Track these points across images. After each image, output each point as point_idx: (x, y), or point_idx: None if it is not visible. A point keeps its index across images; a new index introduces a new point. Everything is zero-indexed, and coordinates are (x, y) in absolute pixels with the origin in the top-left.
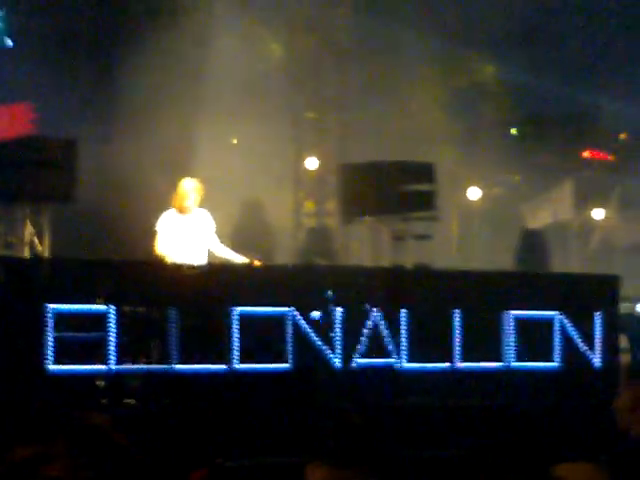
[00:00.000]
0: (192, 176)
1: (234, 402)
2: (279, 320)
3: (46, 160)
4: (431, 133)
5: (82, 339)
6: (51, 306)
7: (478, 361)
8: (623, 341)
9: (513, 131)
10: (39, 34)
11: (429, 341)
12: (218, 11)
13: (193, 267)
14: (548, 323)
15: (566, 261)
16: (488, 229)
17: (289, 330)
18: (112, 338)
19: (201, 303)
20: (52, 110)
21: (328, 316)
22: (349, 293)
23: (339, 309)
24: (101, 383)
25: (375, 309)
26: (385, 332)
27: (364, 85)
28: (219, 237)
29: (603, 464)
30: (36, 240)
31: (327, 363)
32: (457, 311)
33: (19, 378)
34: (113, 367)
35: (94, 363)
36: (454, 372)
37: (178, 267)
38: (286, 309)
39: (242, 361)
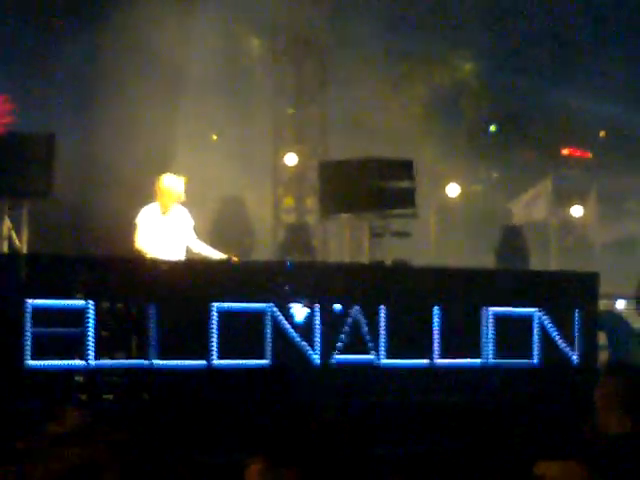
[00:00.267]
0: (171, 172)
1: (213, 398)
2: (258, 316)
3: (25, 154)
4: (411, 130)
5: (61, 334)
6: (29, 301)
7: (457, 358)
8: (602, 338)
9: (492, 128)
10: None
11: (408, 337)
12: (198, 7)
13: (172, 263)
14: (527, 320)
15: (545, 258)
16: (467, 226)
17: (268, 326)
18: (91, 333)
19: (180, 299)
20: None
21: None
22: (328, 289)
23: (318, 305)
24: (80, 378)
25: (354, 305)
26: (364, 328)
27: (344, 82)
28: (198, 233)
29: (581, 461)
30: (14, 235)
31: (306, 359)
32: (436, 308)
33: None
34: (92, 362)
35: (73, 358)
36: (433, 368)
37: (157, 263)
38: (265, 305)
39: (221, 357)
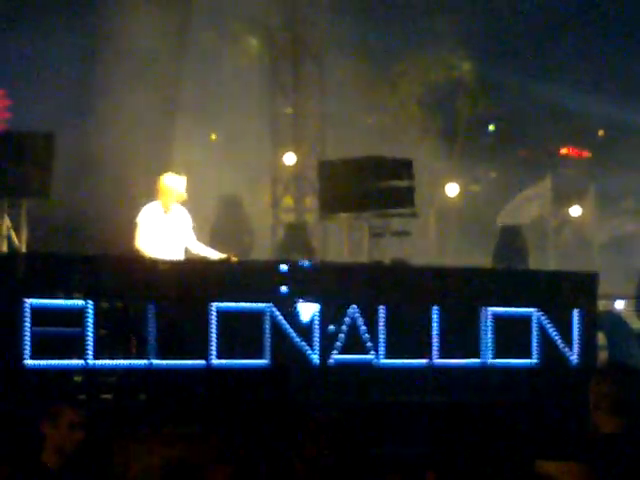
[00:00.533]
0: (170, 171)
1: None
2: (257, 316)
3: (24, 154)
4: (409, 129)
5: (60, 334)
6: (29, 301)
7: (456, 357)
8: (601, 338)
9: (491, 128)
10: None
11: (407, 337)
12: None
13: (171, 262)
14: (526, 320)
15: (544, 258)
16: (466, 225)
17: (267, 326)
18: (90, 333)
19: (179, 299)
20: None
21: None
22: (327, 289)
23: (317, 305)
24: (79, 378)
25: (353, 305)
26: (363, 328)
27: (343, 81)
28: (197, 233)
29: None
30: (13, 234)
31: (305, 359)
32: (435, 308)
33: None
34: (91, 362)
35: (72, 358)
36: (432, 368)
37: (156, 262)
38: (264, 305)
39: (220, 357)
